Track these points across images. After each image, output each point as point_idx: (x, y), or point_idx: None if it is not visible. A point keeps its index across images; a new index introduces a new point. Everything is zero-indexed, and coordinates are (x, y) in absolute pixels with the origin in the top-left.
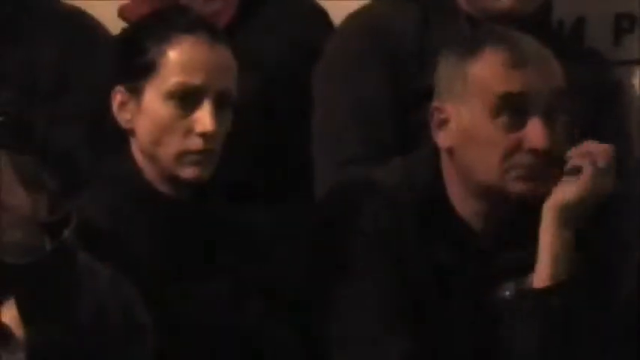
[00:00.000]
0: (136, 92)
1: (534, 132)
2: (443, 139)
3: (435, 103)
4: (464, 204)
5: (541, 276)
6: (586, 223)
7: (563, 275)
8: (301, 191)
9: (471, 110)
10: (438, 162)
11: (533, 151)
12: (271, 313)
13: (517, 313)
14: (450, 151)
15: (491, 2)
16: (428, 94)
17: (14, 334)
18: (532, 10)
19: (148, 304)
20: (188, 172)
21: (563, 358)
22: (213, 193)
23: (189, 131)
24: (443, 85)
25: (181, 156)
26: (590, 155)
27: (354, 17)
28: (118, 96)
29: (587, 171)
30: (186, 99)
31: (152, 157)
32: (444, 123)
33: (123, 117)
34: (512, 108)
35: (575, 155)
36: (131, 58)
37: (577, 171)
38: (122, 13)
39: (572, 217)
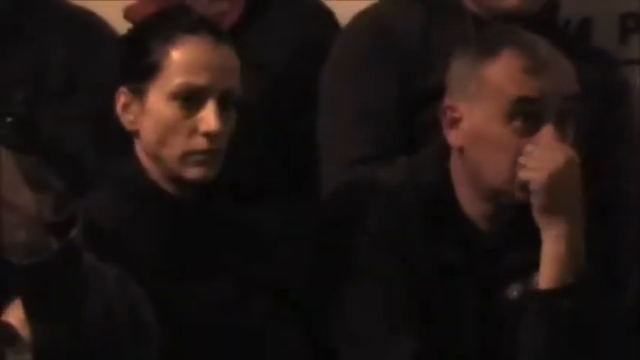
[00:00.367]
0: (139, 93)
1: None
2: (454, 138)
3: (448, 102)
4: (471, 204)
5: (546, 276)
6: (593, 224)
7: (569, 276)
8: (306, 191)
9: (484, 112)
10: (445, 162)
11: None
12: (276, 312)
13: (524, 313)
14: (461, 151)
15: (497, 1)
16: (434, 95)
17: (20, 334)
18: (538, 9)
19: (154, 304)
20: (193, 173)
21: (568, 358)
22: (218, 193)
23: (193, 131)
24: (456, 85)
25: (186, 156)
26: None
27: (359, 18)
28: (122, 97)
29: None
30: (190, 99)
31: (156, 158)
32: (456, 122)
33: (127, 118)
34: (526, 113)
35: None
36: (135, 59)
37: (527, 186)
38: (127, 14)
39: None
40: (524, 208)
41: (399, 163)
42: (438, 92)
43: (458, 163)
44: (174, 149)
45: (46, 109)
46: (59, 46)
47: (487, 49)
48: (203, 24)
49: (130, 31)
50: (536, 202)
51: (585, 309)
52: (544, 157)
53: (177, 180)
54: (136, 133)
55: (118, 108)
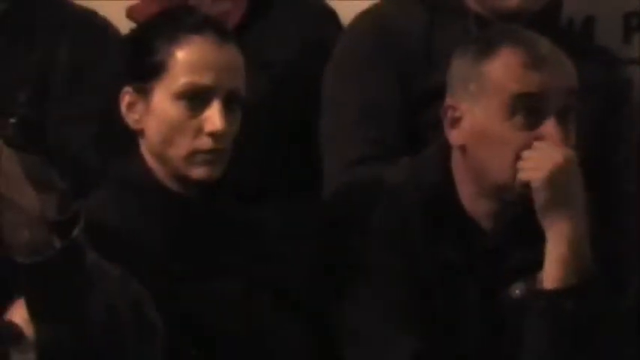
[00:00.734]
0: (144, 93)
1: (550, 131)
2: (456, 137)
3: (449, 101)
4: (474, 203)
5: (550, 276)
6: (596, 224)
7: (573, 276)
8: (308, 191)
9: (485, 109)
10: (447, 161)
11: None
12: (279, 312)
13: (527, 313)
14: (463, 150)
15: (500, 1)
16: (436, 95)
17: (25, 333)
18: (540, 8)
19: (158, 304)
20: (198, 172)
21: (572, 358)
22: (222, 193)
23: (198, 131)
24: (457, 84)
25: (191, 156)
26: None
27: (361, 18)
28: (127, 97)
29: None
30: (195, 99)
31: (162, 157)
32: (457, 121)
33: (131, 117)
34: (527, 108)
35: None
36: (140, 59)
37: (527, 186)
38: (130, 14)
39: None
40: (528, 207)
41: (401, 163)
42: (439, 92)
43: (460, 162)
44: (179, 149)
45: (50, 109)
46: (63, 47)
47: (486, 48)
48: (208, 23)
49: (134, 30)
50: (537, 200)
51: (589, 309)
52: (543, 156)
53: (182, 179)
54: (140, 133)
55: (123, 107)
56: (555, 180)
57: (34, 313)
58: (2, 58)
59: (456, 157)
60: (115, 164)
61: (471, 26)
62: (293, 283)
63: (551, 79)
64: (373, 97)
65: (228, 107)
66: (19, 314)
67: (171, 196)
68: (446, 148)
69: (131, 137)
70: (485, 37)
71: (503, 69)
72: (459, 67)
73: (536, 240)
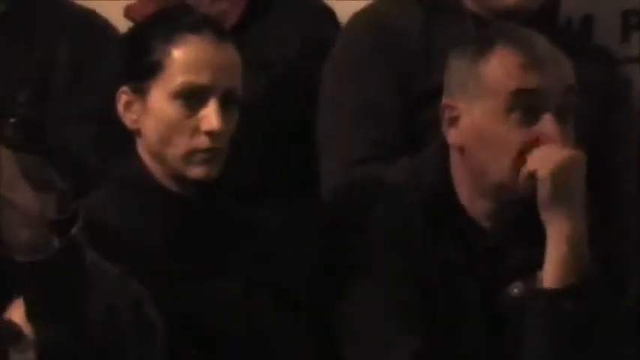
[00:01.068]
0: (141, 92)
1: (549, 128)
2: (454, 136)
3: (446, 101)
4: (473, 203)
5: (550, 276)
6: (595, 224)
7: (573, 275)
8: (307, 190)
9: (483, 108)
10: (446, 161)
11: None
12: (280, 312)
13: (527, 312)
14: (461, 150)
15: (497, 0)
16: (434, 94)
17: (24, 332)
18: (537, 7)
19: (158, 303)
20: (196, 171)
21: (571, 358)
22: (220, 192)
23: (196, 130)
24: (454, 83)
25: (189, 155)
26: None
27: (359, 17)
28: (123, 96)
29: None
30: (192, 98)
31: (159, 157)
32: (455, 121)
33: (129, 117)
34: (525, 106)
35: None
36: (136, 58)
37: (534, 176)
38: (128, 13)
39: (565, 208)
40: (528, 206)
41: (400, 163)
42: (438, 91)
43: (458, 162)
44: (177, 148)
45: (50, 109)
46: (63, 47)
47: (483, 47)
48: (205, 23)
49: (131, 30)
50: (541, 193)
51: (588, 309)
52: (552, 151)
53: (180, 179)
54: (137, 132)
55: (120, 107)
56: (562, 174)
57: (33, 312)
58: (2, 58)
59: (454, 157)
60: (114, 164)
61: (468, 25)
62: (293, 283)
63: (549, 77)
64: (372, 96)
65: (225, 106)
66: (18, 313)
67: (169, 196)
68: (445, 148)
69: (128, 137)
70: (483, 36)
71: (501, 68)
72: (456, 67)
73: (536, 239)
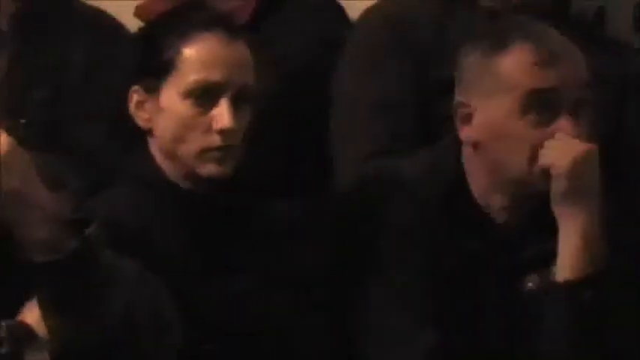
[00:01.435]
0: (153, 91)
1: (565, 127)
2: (468, 133)
3: (460, 98)
4: (487, 197)
5: (564, 267)
6: (613, 213)
7: (588, 266)
8: (323, 185)
9: (499, 106)
10: (459, 156)
11: None
12: (297, 307)
13: (542, 304)
14: (476, 146)
15: None
16: (449, 87)
17: (37, 334)
18: (551, 0)
19: (174, 300)
20: (209, 169)
21: (591, 350)
22: (235, 189)
23: (208, 128)
24: (468, 80)
25: (202, 153)
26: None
27: (373, 11)
28: (135, 95)
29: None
30: (205, 96)
31: (172, 156)
32: (469, 118)
33: (141, 116)
34: (541, 104)
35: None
36: (148, 57)
37: (548, 171)
38: (139, 13)
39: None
40: (544, 200)
41: (417, 156)
42: (453, 84)
43: (472, 157)
44: (189, 146)
45: (63, 109)
46: (76, 47)
47: (497, 43)
48: (217, 20)
49: (143, 29)
50: (556, 188)
51: (604, 299)
52: (566, 145)
53: (193, 177)
54: (149, 132)
55: (131, 107)
56: (577, 169)
57: (49, 312)
58: (16, 58)
59: (467, 152)
60: (127, 163)
61: (481, 18)
62: (310, 278)
63: (564, 73)
64: (387, 89)
65: (237, 104)
66: (31, 315)
67: (183, 194)
68: (457, 143)
69: (140, 136)
70: (495, 31)
71: (516, 66)
72: (468, 62)
73: (552, 233)
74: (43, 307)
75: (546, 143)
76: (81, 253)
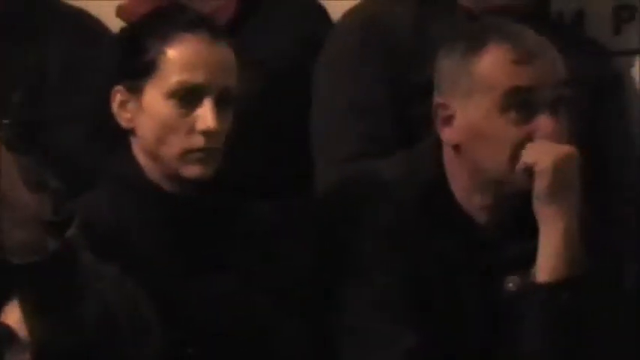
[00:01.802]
0: (136, 91)
1: (545, 124)
2: (449, 135)
3: (439, 100)
4: (468, 198)
5: (544, 269)
6: (589, 214)
7: (567, 268)
8: (304, 187)
9: (478, 106)
10: (440, 157)
11: None
12: (278, 309)
13: (523, 306)
14: (457, 148)
15: None
16: (427, 89)
17: (19, 335)
18: (529, 2)
19: (155, 302)
20: (191, 171)
21: (569, 352)
22: (217, 190)
23: (191, 129)
24: (446, 81)
25: (184, 154)
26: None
27: (351, 14)
28: (118, 95)
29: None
30: (187, 97)
31: (155, 156)
32: (449, 119)
33: (123, 116)
34: (520, 102)
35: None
36: (131, 58)
37: (530, 170)
38: (121, 13)
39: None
40: (524, 200)
41: (395, 159)
42: (431, 86)
43: (453, 159)
44: (172, 147)
45: (44, 109)
46: (57, 47)
47: (474, 44)
48: (199, 21)
49: (125, 29)
50: (538, 186)
51: (583, 301)
52: (549, 145)
53: (175, 178)
54: (132, 132)
55: (114, 106)
56: (559, 168)
57: (29, 313)
58: None
59: (448, 154)
60: (109, 164)
61: (461, 20)
62: (289, 280)
63: (542, 71)
64: (365, 92)
65: (220, 105)
66: (12, 316)
67: (164, 196)
68: (438, 144)
69: (123, 137)
70: (471, 32)
71: (493, 65)
72: (446, 64)
73: (533, 233)
74: (23, 308)
75: (529, 144)
76: (60, 256)
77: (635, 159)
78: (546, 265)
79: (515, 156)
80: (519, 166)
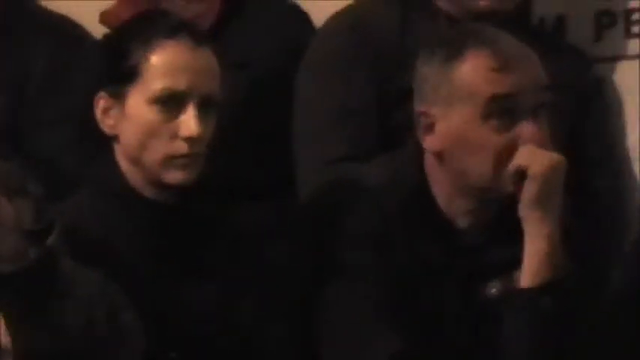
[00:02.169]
0: (119, 97)
1: (528, 131)
2: (431, 143)
3: (420, 108)
4: (451, 203)
5: (529, 274)
6: (572, 219)
7: (551, 273)
8: (287, 191)
9: (459, 114)
10: (422, 162)
11: None
12: (260, 313)
13: (505, 310)
14: (439, 155)
15: (471, 1)
16: (410, 94)
17: (1, 342)
18: (512, 8)
19: (137, 308)
20: (174, 176)
21: (551, 356)
22: (199, 196)
23: (174, 135)
24: (427, 89)
25: (167, 160)
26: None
27: (335, 18)
28: (101, 101)
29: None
30: (170, 103)
31: (137, 162)
32: (430, 127)
33: (106, 122)
34: (502, 109)
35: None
36: (114, 64)
37: (523, 172)
38: (103, 19)
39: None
40: (506, 205)
41: (377, 163)
42: (412, 92)
43: (434, 165)
44: (155, 153)
45: (26, 115)
46: (39, 53)
47: (453, 51)
48: (182, 27)
49: (108, 35)
50: (528, 190)
51: (566, 306)
52: (541, 151)
53: (157, 184)
54: (115, 138)
55: (98, 112)
56: (550, 174)
57: (10, 321)
58: None
59: (429, 160)
60: (91, 170)
61: (442, 26)
62: (273, 284)
63: (522, 77)
64: (348, 97)
65: (203, 111)
66: None
67: (145, 202)
68: (420, 150)
69: (106, 142)
70: (450, 38)
71: (474, 73)
72: (425, 72)
73: (515, 238)
74: (4, 316)
75: (522, 148)
76: (41, 264)
77: (616, 165)
78: (531, 270)
79: (498, 163)
80: (510, 168)
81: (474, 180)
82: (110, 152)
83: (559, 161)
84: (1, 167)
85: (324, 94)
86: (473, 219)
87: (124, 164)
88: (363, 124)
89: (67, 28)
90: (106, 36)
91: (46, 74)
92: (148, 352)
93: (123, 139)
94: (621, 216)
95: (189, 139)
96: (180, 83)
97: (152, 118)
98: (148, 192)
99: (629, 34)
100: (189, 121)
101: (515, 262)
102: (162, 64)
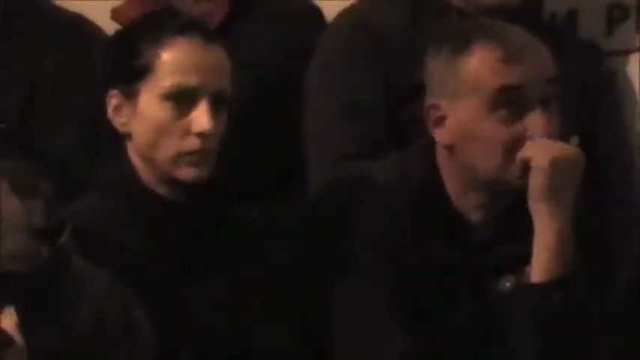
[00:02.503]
0: (131, 95)
1: (536, 123)
2: (441, 136)
3: (430, 101)
4: (462, 197)
5: (539, 268)
6: (582, 214)
7: (561, 268)
8: (296, 190)
9: (468, 106)
10: (433, 157)
11: None
12: (270, 312)
13: (516, 305)
14: (450, 148)
15: None
16: (419, 90)
17: (15, 340)
18: (521, 3)
19: (147, 307)
20: (186, 173)
21: (562, 352)
22: (209, 194)
23: (186, 132)
24: (436, 83)
25: (179, 157)
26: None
27: (343, 15)
28: (113, 100)
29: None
30: (182, 100)
31: (149, 160)
32: (440, 120)
33: (118, 120)
34: (510, 101)
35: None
36: (125, 61)
37: (527, 165)
38: (115, 16)
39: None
40: (517, 199)
41: (388, 160)
42: (422, 88)
43: (446, 159)
44: (167, 150)
45: (37, 114)
46: (51, 51)
47: (460, 44)
48: (192, 25)
49: (119, 33)
50: (534, 182)
51: (577, 301)
52: (551, 142)
53: (169, 181)
54: (127, 136)
55: (110, 110)
56: (558, 167)
57: (23, 320)
58: None
59: (441, 154)
60: (103, 168)
61: (453, 21)
62: (281, 283)
63: (530, 69)
64: (357, 94)
65: (214, 108)
66: (8, 321)
67: (157, 200)
68: (431, 145)
69: (118, 141)
70: (457, 32)
71: (480, 65)
72: (434, 65)
73: (526, 232)
74: (18, 314)
75: (529, 142)
76: (52, 263)
77: (628, 159)
78: (539, 265)
79: (508, 155)
80: (517, 161)
81: (483, 173)
82: (122, 150)
83: (570, 154)
84: (12, 167)
85: (332, 92)
86: (484, 213)
87: (136, 162)
88: (373, 121)
89: (80, 27)
90: (115, 34)
91: (57, 74)
92: (158, 350)
93: (135, 137)
94: (634, 209)
95: (201, 135)
96: (192, 80)
97: (164, 115)
98: (160, 190)
99: None
100: (201, 117)
101: (528, 257)
102: (174, 61)
